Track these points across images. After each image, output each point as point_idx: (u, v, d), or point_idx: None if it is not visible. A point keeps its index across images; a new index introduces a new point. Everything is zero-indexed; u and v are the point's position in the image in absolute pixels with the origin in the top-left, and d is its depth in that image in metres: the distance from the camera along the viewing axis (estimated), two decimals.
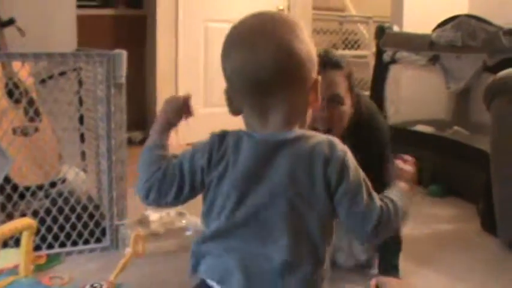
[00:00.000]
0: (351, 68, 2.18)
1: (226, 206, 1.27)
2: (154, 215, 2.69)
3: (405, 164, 1.54)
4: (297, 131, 1.30)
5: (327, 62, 2.09)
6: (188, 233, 2.64)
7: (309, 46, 1.36)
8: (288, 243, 1.22)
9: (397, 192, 1.39)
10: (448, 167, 3.47)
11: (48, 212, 2.33)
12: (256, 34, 1.35)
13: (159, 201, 1.39)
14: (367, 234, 1.27)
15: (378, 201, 1.28)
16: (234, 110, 1.42)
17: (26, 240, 1.70)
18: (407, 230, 2.78)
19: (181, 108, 1.54)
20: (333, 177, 1.24)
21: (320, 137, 1.29)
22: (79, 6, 3.75)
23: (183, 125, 1.64)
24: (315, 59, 1.39)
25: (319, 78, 1.39)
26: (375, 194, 1.29)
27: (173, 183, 1.36)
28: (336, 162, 1.24)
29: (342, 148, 1.28)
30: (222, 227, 1.27)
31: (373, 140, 2.28)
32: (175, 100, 1.54)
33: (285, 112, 1.29)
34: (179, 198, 1.37)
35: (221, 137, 1.39)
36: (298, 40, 1.33)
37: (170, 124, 1.54)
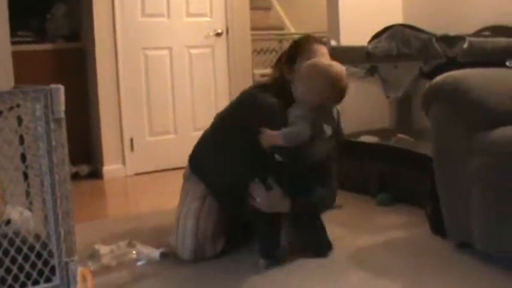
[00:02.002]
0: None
1: None
2: (104, 249, 2.66)
3: None
4: None
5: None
6: (140, 264, 2.61)
7: None
8: None
9: None
10: (395, 175, 3.52)
11: None
12: None
13: None
14: None
15: None
16: None
17: None
18: (361, 241, 2.82)
19: None
20: None
21: None
22: (14, 43, 3.69)
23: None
24: None
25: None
26: None
27: None
28: None
29: None
30: None
31: None
32: None
33: None
34: None
35: None
36: None
37: None
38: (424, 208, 3.07)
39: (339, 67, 2.52)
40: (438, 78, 2.54)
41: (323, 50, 2.78)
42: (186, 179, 2.90)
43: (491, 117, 2.38)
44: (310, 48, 2.72)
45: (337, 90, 2.50)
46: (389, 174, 3.56)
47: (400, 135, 3.90)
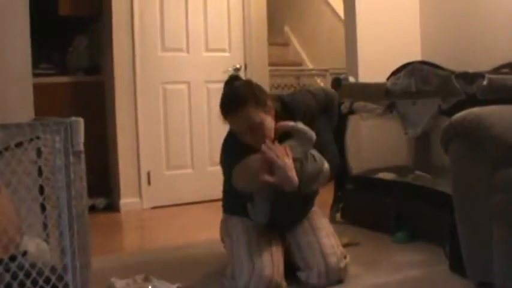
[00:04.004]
0: (254, 90, 2.67)
1: None
2: (120, 283, 2.64)
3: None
4: None
5: (233, 104, 2.65)
6: None
7: None
8: None
9: None
10: (413, 212, 3.49)
11: (9, 286, 2.26)
12: None
13: None
14: None
15: None
16: None
17: None
18: (378, 279, 2.78)
19: None
20: None
21: None
22: (36, 75, 3.74)
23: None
24: None
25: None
26: None
27: None
28: None
29: None
30: None
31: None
32: None
33: None
34: None
35: None
36: None
37: None
38: (443, 246, 3.03)
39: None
40: (459, 115, 2.52)
41: (248, 111, 2.66)
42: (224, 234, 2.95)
43: None
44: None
45: None
46: (407, 212, 3.53)
47: (418, 173, 3.87)
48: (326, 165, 2.71)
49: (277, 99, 2.81)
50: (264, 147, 2.52)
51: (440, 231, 3.07)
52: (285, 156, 2.53)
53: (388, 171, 3.90)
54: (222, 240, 2.94)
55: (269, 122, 2.65)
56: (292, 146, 2.61)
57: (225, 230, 2.88)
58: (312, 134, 2.67)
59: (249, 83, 2.82)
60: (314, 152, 2.71)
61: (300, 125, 2.67)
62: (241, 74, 5.28)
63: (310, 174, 2.64)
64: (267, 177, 2.48)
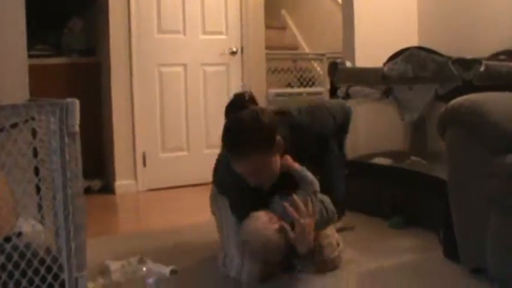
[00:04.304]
0: (260, 132, 2.43)
1: None
2: (115, 264, 2.64)
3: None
4: None
5: (235, 151, 2.45)
6: (150, 281, 2.59)
7: None
8: None
9: None
10: (408, 197, 3.50)
11: (3, 267, 2.25)
12: None
13: None
14: None
15: None
16: None
17: None
18: (373, 263, 2.79)
19: None
20: None
21: None
22: (31, 56, 3.72)
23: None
24: None
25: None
26: None
27: None
28: None
29: None
30: None
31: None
32: None
33: None
34: None
35: None
36: None
37: None
38: (437, 232, 3.04)
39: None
40: (455, 101, 2.52)
41: (249, 162, 2.47)
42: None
43: (510, 141, 2.36)
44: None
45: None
46: (402, 197, 3.54)
47: (413, 158, 3.87)
48: (334, 213, 2.67)
49: (286, 114, 2.67)
50: (286, 204, 2.44)
51: (435, 217, 3.08)
52: (307, 215, 2.44)
53: (384, 157, 3.90)
54: (213, 213, 2.91)
55: (274, 162, 2.49)
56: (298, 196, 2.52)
57: (215, 205, 2.86)
58: (317, 185, 2.56)
59: (255, 119, 2.46)
60: (326, 201, 2.64)
61: (305, 173, 2.57)
62: (238, 57, 5.26)
63: (319, 229, 2.59)
64: (291, 234, 2.41)
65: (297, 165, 2.58)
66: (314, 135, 2.71)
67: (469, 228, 2.53)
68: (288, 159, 2.58)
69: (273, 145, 2.45)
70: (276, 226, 2.42)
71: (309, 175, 2.57)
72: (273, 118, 2.49)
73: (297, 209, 2.43)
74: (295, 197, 2.45)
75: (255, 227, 2.45)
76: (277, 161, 2.49)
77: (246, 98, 2.59)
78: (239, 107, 2.56)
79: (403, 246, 3.09)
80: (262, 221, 2.45)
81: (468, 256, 2.57)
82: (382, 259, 2.86)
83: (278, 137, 2.46)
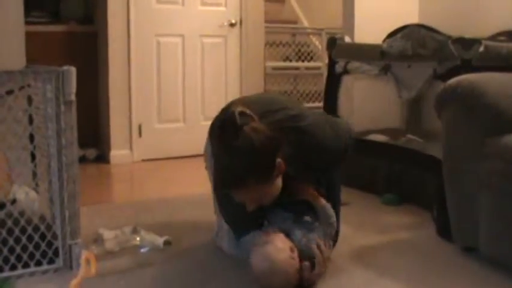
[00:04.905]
0: (258, 161, 2.14)
1: None
2: (108, 233, 2.65)
3: None
4: None
5: (230, 181, 2.17)
6: (143, 251, 2.60)
7: None
8: None
9: None
10: (402, 175, 3.51)
11: None
12: None
13: None
14: None
15: None
16: None
17: None
18: (366, 240, 2.80)
19: None
20: None
21: None
22: (28, 23, 3.68)
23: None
24: None
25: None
26: None
27: None
28: None
29: None
30: None
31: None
32: None
33: None
34: None
35: None
36: None
37: None
38: (430, 210, 3.06)
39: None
40: (453, 81, 2.52)
41: (249, 192, 2.22)
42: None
43: (505, 122, 2.36)
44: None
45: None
46: (396, 174, 3.55)
47: (409, 136, 3.88)
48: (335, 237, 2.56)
49: (294, 132, 2.30)
50: (314, 246, 2.28)
51: (429, 195, 3.09)
52: (326, 250, 2.34)
53: (380, 134, 3.90)
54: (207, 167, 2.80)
55: (275, 185, 2.26)
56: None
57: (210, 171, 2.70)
58: (334, 221, 2.45)
59: (252, 149, 2.13)
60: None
61: (329, 211, 2.43)
62: (236, 30, 5.23)
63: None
64: (307, 273, 2.24)
65: (322, 201, 2.43)
66: (320, 163, 2.44)
67: (462, 207, 2.54)
68: (315, 192, 2.44)
69: (274, 171, 2.20)
70: (296, 263, 2.22)
71: (332, 215, 2.43)
72: (272, 138, 2.19)
73: (318, 248, 2.29)
74: (318, 239, 2.32)
75: (271, 263, 2.18)
76: (278, 182, 2.27)
77: (237, 117, 2.14)
78: (231, 128, 2.15)
79: (396, 224, 3.11)
80: (278, 249, 2.22)
81: (461, 235, 2.59)
82: (375, 236, 2.88)
83: (278, 160, 2.19)
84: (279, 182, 2.26)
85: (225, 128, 2.16)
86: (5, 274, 2.25)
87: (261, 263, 2.19)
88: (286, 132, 2.24)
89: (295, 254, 2.23)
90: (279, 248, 2.21)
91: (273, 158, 2.18)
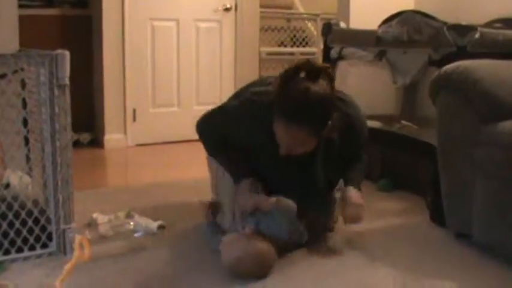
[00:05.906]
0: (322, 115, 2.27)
1: None
2: (102, 218, 2.65)
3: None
4: None
5: (289, 115, 2.23)
6: (137, 235, 2.60)
7: None
8: None
9: None
10: (397, 161, 3.51)
11: None
12: None
13: None
14: None
15: None
16: None
17: None
18: (361, 226, 2.80)
19: None
20: None
21: None
22: (22, 6, 3.66)
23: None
24: None
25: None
26: None
27: None
28: None
29: None
30: None
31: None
32: None
33: None
34: None
35: None
36: None
37: None
38: (424, 196, 3.07)
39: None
40: (448, 67, 2.51)
41: (300, 135, 2.29)
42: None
43: (500, 109, 2.36)
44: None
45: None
46: (391, 160, 3.55)
47: (404, 122, 3.87)
48: None
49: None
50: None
51: (423, 182, 3.10)
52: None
53: (375, 119, 3.90)
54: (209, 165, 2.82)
55: (311, 144, 2.34)
56: None
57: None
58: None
59: (325, 101, 2.27)
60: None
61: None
62: (231, 14, 5.20)
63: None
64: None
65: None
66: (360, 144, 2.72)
67: (455, 193, 2.55)
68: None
69: (324, 130, 2.30)
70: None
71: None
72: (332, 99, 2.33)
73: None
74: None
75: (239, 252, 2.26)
76: (315, 143, 2.35)
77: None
78: (312, 72, 2.30)
79: (390, 209, 3.12)
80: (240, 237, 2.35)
81: (454, 221, 2.60)
82: (369, 221, 2.87)
83: (329, 123, 2.31)
84: (316, 142, 2.34)
85: (308, 68, 2.28)
86: None
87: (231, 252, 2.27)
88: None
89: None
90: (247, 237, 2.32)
91: (329, 117, 2.30)
